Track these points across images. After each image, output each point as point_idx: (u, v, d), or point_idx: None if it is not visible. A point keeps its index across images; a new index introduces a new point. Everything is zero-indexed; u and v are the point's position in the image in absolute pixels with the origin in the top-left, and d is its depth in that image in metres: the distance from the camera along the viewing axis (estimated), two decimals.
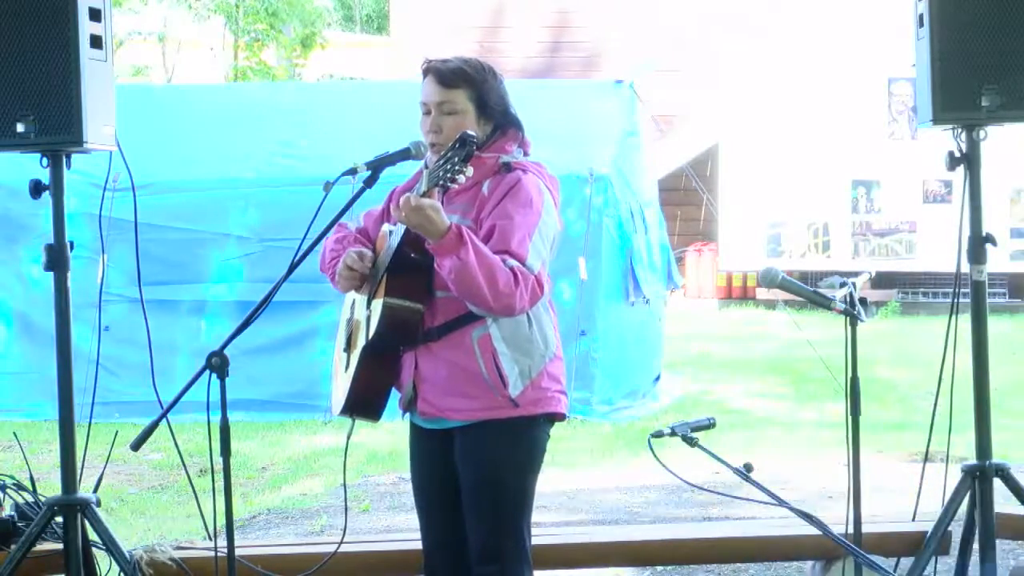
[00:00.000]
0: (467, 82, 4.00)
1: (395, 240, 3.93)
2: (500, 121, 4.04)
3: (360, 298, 4.11)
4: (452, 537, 4.09)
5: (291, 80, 23.62)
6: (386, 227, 4.09)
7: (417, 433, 4.16)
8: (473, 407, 3.95)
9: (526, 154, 4.10)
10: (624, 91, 11.55)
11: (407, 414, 4.13)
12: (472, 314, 3.92)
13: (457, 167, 3.73)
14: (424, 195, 3.78)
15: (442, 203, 4.00)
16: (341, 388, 4.12)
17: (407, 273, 3.92)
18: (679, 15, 19.98)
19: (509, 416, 3.95)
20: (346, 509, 4.54)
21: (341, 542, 4.49)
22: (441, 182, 3.76)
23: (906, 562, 4.84)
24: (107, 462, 4.79)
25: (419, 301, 3.93)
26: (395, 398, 4.13)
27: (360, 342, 4.02)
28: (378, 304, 3.93)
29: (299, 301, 9.48)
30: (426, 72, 4.04)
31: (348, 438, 4.23)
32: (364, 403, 4.06)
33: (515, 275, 3.80)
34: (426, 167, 4.08)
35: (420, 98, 4.04)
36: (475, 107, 4.00)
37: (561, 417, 4.09)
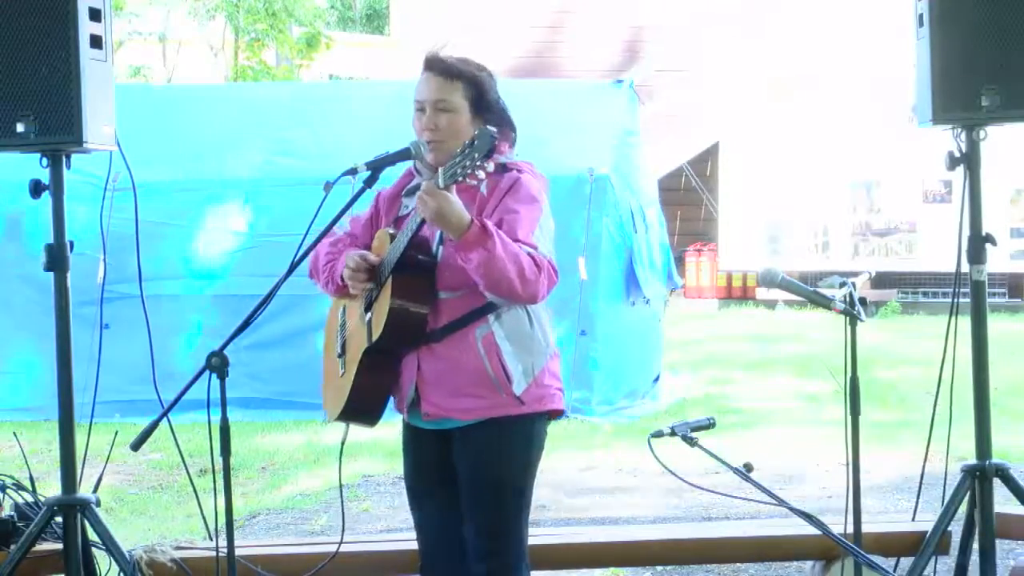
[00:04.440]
0: (464, 79, 4.00)
1: (402, 242, 3.91)
2: (494, 121, 4.03)
3: (353, 304, 4.11)
4: (449, 536, 4.09)
5: (291, 80, 23.61)
6: (386, 231, 4.07)
7: (414, 434, 4.15)
8: (479, 406, 3.95)
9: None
10: (624, 91, 11.55)
11: (405, 416, 4.12)
12: (474, 313, 3.92)
13: (478, 163, 3.65)
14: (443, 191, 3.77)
15: None
16: (337, 394, 4.11)
17: (413, 275, 3.92)
18: (679, 15, 19.99)
19: (514, 414, 3.95)
20: (343, 514, 4.53)
21: (340, 543, 4.49)
22: (460, 178, 3.69)
23: (906, 562, 4.84)
24: (107, 462, 4.78)
25: (425, 303, 3.93)
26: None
27: (361, 346, 4.01)
28: (383, 307, 3.92)
29: (299, 296, 9.45)
30: (424, 69, 4.04)
31: (342, 443, 4.22)
32: (363, 408, 4.05)
33: (535, 260, 3.81)
34: (417, 170, 4.08)
35: (415, 95, 4.04)
36: (470, 105, 4.00)
37: (560, 413, 4.09)
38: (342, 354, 4.12)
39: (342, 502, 4.55)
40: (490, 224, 3.77)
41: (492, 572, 3.99)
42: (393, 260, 3.93)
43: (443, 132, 3.97)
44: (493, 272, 3.75)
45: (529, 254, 3.81)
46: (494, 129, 3.72)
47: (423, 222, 3.83)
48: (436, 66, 4.01)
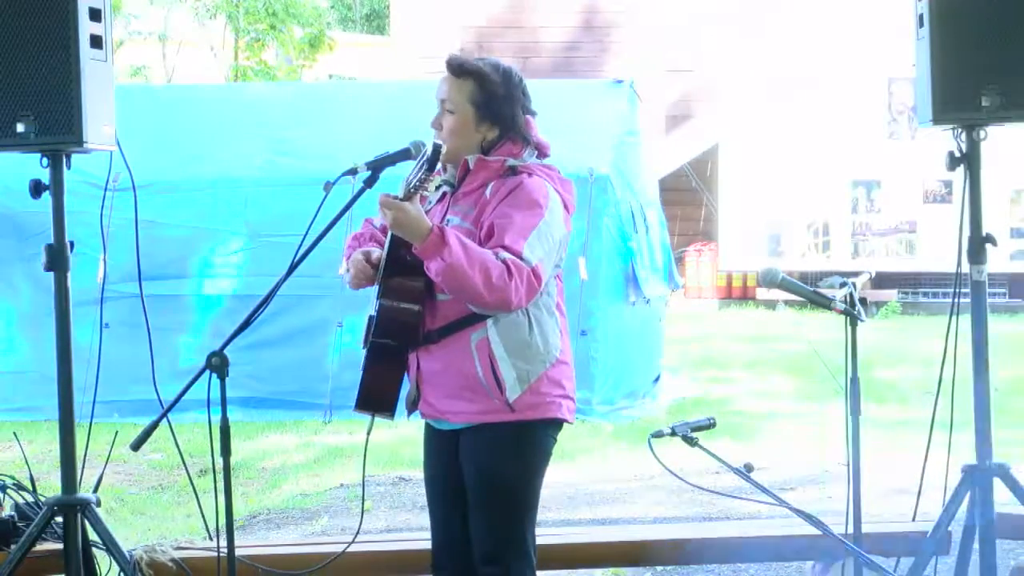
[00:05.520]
0: (473, 80, 3.99)
1: (387, 244, 3.94)
2: (500, 126, 4.03)
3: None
4: (459, 535, 4.09)
5: (291, 80, 23.61)
6: None
7: (429, 431, 4.18)
8: (471, 410, 3.96)
9: (544, 155, 4.09)
10: (624, 91, 11.55)
11: (413, 414, 4.13)
12: (472, 317, 3.92)
13: (423, 175, 3.76)
14: (402, 200, 3.80)
15: (448, 205, 4.02)
16: (358, 385, 4.13)
17: (401, 275, 3.94)
18: (679, 15, 19.99)
19: (505, 420, 3.94)
20: (363, 508, 4.53)
21: (353, 541, 4.49)
22: (413, 189, 3.78)
23: (906, 562, 4.84)
24: (107, 462, 4.78)
25: (414, 302, 3.93)
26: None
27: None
28: (377, 305, 3.95)
29: (299, 296, 9.45)
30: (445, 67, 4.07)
31: (368, 434, 4.22)
32: (373, 400, 4.08)
33: (508, 267, 3.78)
34: (443, 168, 4.10)
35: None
36: (475, 109, 3.99)
37: (564, 422, 4.07)
38: (364, 344, 4.14)
39: (363, 498, 4.55)
40: (449, 233, 3.77)
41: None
42: (383, 260, 3.96)
43: (444, 132, 3.99)
44: (454, 280, 3.76)
45: (504, 260, 3.79)
46: (439, 142, 3.77)
47: None
48: (450, 65, 4.03)
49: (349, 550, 4.62)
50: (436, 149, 3.76)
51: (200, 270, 10.66)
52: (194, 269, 10.65)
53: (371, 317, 4.08)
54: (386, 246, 3.96)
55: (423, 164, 3.77)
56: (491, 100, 4.00)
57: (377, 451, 8.81)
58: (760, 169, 18.42)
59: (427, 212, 4.01)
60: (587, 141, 10.73)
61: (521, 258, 3.82)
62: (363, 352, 4.12)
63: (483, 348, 3.91)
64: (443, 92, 4.03)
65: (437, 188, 4.09)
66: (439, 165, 3.89)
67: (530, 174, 3.99)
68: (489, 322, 3.91)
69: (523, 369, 3.93)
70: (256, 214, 10.58)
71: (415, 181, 3.78)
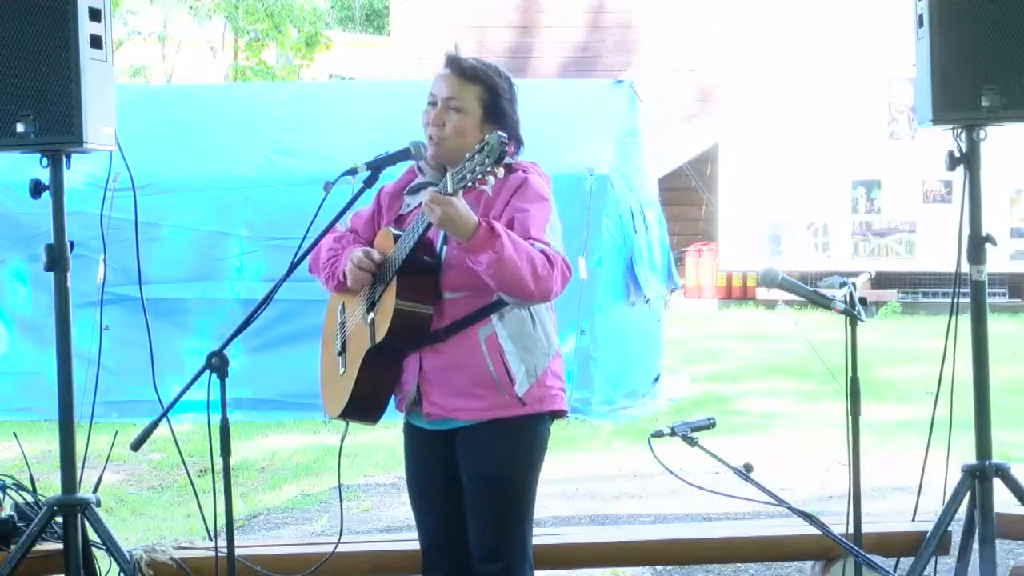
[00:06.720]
0: (481, 83, 3.98)
1: (408, 243, 3.89)
2: (507, 129, 4.01)
3: (352, 301, 4.10)
4: (451, 535, 4.09)
5: (291, 80, 23.60)
6: (388, 229, 4.05)
7: (416, 434, 4.14)
8: (481, 406, 3.95)
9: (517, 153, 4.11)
10: (624, 91, 11.55)
11: (414, 415, 4.12)
12: (478, 313, 3.92)
13: (488, 168, 3.61)
14: (450, 196, 3.73)
15: None
16: (338, 392, 4.10)
17: (418, 276, 3.91)
18: (680, 15, 19.99)
19: (516, 415, 3.95)
20: (342, 513, 4.53)
21: (338, 543, 4.49)
22: (469, 183, 3.65)
23: (906, 562, 4.84)
24: (107, 462, 4.78)
25: (429, 303, 3.93)
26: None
27: (363, 345, 4.00)
28: (387, 307, 3.91)
29: (299, 300, 9.45)
30: (444, 66, 4.03)
31: (342, 441, 4.22)
32: (365, 406, 4.05)
33: (548, 257, 3.80)
34: (419, 168, 4.07)
35: (430, 88, 4.03)
36: (483, 110, 3.98)
37: (563, 414, 4.10)
38: (342, 352, 4.12)
39: (340, 500, 4.55)
40: (498, 225, 3.75)
41: (495, 573, 3.99)
42: (399, 261, 3.92)
43: (447, 130, 3.95)
44: (504, 273, 3.74)
45: (542, 251, 3.80)
46: (503, 134, 3.65)
47: (429, 225, 3.81)
48: (455, 65, 4.00)
49: (347, 550, 4.62)
50: (503, 141, 3.58)
51: (199, 272, 10.64)
52: (193, 271, 10.63)
53: (357, 324, 4.04)
54: (408, 247, 3.90)
55: (484, 159, 3.60)
56: (499, 104, 3.99)
57: (376, 451, 8.82)
58: (760, 169, 18.42)
59: (410, 213, 4.03)
60: (587, 141, 10.74)
61: (550, 248, 3.84)
62: (341, 360, 4.09)
63: (492, 343, 3.92)
64: (447, 90, 3.97)
65: (416, 191, 4.05)
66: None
67: (526, 171, 4.00)
68: (494, 318, 3.92)
69: (530, 363, 3.95)
70: (256, 214, 10.57)
71: (472, 176, 3.63)
